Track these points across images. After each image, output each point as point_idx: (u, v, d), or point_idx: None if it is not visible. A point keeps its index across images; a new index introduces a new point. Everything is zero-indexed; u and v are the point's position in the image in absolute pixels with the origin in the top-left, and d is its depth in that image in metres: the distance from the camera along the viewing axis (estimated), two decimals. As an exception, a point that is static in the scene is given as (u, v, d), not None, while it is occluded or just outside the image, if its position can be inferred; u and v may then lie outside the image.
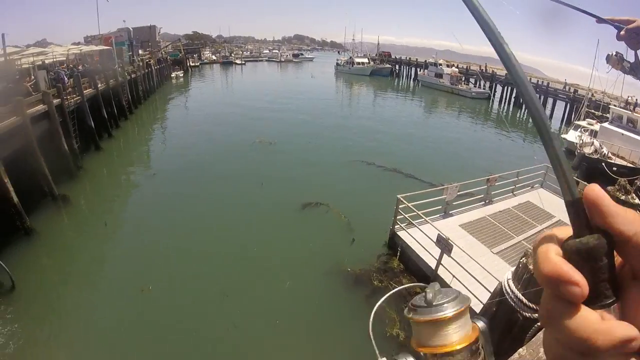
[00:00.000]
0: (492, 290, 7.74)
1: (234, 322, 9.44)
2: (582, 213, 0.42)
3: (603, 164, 18.99)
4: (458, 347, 0.53)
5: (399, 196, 11.34)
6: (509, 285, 3.88)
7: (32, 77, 21.15)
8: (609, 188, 9.18)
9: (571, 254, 0.41)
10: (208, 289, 10.73)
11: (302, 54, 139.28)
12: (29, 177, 14.60)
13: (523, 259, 3.72)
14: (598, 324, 0.39)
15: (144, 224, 14.46)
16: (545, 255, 0.42)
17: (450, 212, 12.81)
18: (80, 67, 29.81)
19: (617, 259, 0.43)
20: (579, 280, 0.39)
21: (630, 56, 2.02)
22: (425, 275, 10.16)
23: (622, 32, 1.78)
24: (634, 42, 1.78)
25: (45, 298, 10.38)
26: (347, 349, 8.82)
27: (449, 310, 0.55)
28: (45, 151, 15.52)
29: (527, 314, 3.63)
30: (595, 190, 0.42)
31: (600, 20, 2.08)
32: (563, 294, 0.40)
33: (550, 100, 45.09)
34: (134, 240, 13.36)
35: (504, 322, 3.83)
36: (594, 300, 0.40)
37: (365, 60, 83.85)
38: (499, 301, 3.98)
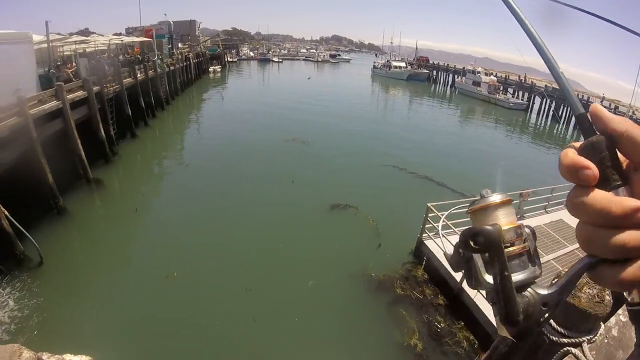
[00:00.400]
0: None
1: (253, 316, 9.41)
2: (588, 123, 0.55)
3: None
4: (505, 228, 0.60)
5: (429, 204, 11.07)
6: None
7: (74, 64, 21.74)
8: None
9: (581, 151, 0.54)
10: (231, 281, 10.78)
11: (339, 55, 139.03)
12: (66, 159, 15.01)
13: (555, 280, 3.50)
14: (611, 197, 0.50)
15: (174, 212, 14.68)
16: (565, 154, 0.54)
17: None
18: (120, 57, 30.51)
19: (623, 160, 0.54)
20: (589, 165, 0.51)
21: None
22: (449, 287, 9.91)
23: None
24: None
25: (71, 276, 10.64)
26: (364, 353, 8.69)
27: (496, 197, 0.65)
28: (82, 135, 15.93)
29: (553, 337, 3.42)
30: (597, 105, 0.54)
31: None
32: (579, 178, 0.52)
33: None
34: (162, 228, 13.53)
35: (528, 344, 3.63)
36: (604, 184, 0.52)
37: (403, 64, 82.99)
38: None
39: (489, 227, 0.57)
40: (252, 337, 8.94)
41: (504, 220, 0.62)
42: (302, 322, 9.43)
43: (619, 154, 0.53)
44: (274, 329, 9.21)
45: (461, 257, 0.65)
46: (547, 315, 0.58)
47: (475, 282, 0.61)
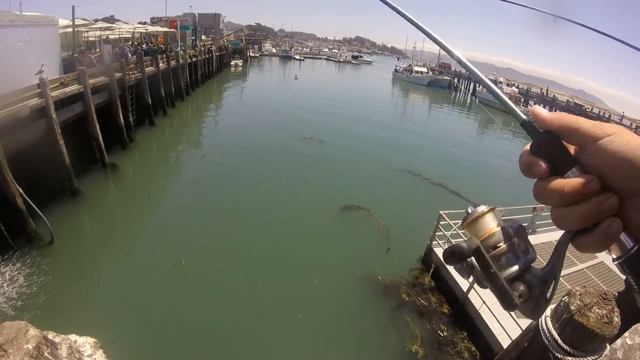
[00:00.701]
0: (519, 324, 7.41)
1: (257, 309, 9.44)
2: (532, 127, 0.64)
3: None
4: (494, 230, 0.73)
5: (441, 212, 10.97)
6: (546, 322, 3.61)
7: (98, 50, 22.02)
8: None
9: (531, 151, 0.64)
10: (238, 274, 10.81)
11: (361, 56, 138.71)
12: (83, 142, 15.23)
13: (566, 297, 3.44)
14: (562, 181, 0.60)
15: (186, 202, 14.78)
16: (520, 157, 0.65)
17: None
18: (144, 46, 30.82)
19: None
20: (537, 161, 0.62)
21: None
22: (455, 296, 9.82)
23: None
24: None
25: (81, 257, 10.78)
26: (364, 356, 8.68)
27: (482, 208, 0.76)
28: (101, 120, 16.14)
29: (559, 355, 3.36)
30: (535, 108, 0.64)
31: None
32: (534, 174, 0.63)
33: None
34: (174, 217, 13.63)
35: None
36: (558, 171, 0.61)
37: (424, 69, 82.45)
38: (532, 337, 3.72)
39: (462, 244, 0.68)
40: (254, 330, 8.95)
41: (492, 224, 0.74)
42: (305, 319, 9.43)
43: (565, 143, 0.62)
44: (276, 324, 9.22)
45: (464, 266, 0.72)
46: (552, 288, 0.67)
47: (478, 282, 0.72)
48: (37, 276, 9.44)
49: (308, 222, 14.19)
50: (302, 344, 8.83)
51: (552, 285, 0.66)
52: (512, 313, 7.79)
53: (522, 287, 0.67)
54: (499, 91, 0.74)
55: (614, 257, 0.59)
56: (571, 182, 0.59)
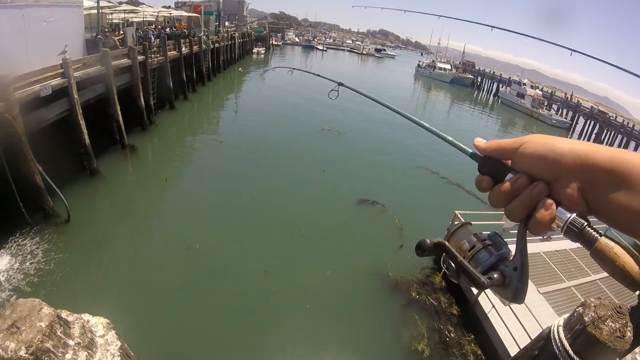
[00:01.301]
0: (528, 331, 7.32)
1: (267, 298, 9.51)
2: (475, 155, 0.87)
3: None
4: (469, 237, 0.88)
5: (456, 212, 10.88)
6: (558, 332, 3.54)
7: (121, 32, 22.18)
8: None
9: (478, 171, 0.84)
10: (250, 261, 10.90)
11: (384, 50, 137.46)
12: (104, 123, 15.44)
13: (580, 308, 3.36)
14: (500, 186, 0.76)
15: (203, 187, 14.92)
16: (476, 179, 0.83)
17: (505, 240, 12.12)
18: (167, 30, 30.98)
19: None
20: (483, 178, 0.81)
21: None
22: (464, 298, 9.75)
23: None
24: None
25: (96, 237, 10.93)
26: (370, 351, 8.67)
27: (457, 224, 0.94)
28: (122, 102, 16.30)
29: (569, 366, 3.31)
30: (476, 140, 0.86)
31: None
32: (484, 188, 0.81)
33: (632, 144, 41.55)
34: (190, 201, 13.76)
35: None
36: (499, 181, 0.77)
37: (448, 66, 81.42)
38: (543, 345, 3.66)
39: (427, 239, 0.81)
40: (263, 317, 9.02)
41: (463, 235, 0.90)
42: (314, 310, 9.47)
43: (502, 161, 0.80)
44: (285, 313, 9.28)
45: (450, 271, 0.83)
46: (521, 274, 0.77)
47: (457, 276, 0.83)
48: (54, 253, 9.59)
49: (322, 214, 14.19)
50: (309, 335, 8.89)
51: (523, 271, 0.77)
52: (521, 318, 7.72)
53: (495, 275, 0.79)
54: (443, 134, 1.03)
55: (559, 230, 0.70)
56: (506, 183, 0.75)
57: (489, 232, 0.89)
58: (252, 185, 15.49)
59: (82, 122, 13.06)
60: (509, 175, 0.76)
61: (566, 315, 3.78)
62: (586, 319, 3.14)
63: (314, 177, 17.19)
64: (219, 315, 8.91)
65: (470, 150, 0.90)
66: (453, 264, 0.82)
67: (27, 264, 9.15)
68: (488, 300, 8.79)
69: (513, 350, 7.62)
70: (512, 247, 0.79)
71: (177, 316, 8.69)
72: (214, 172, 16.39)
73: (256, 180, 15.99)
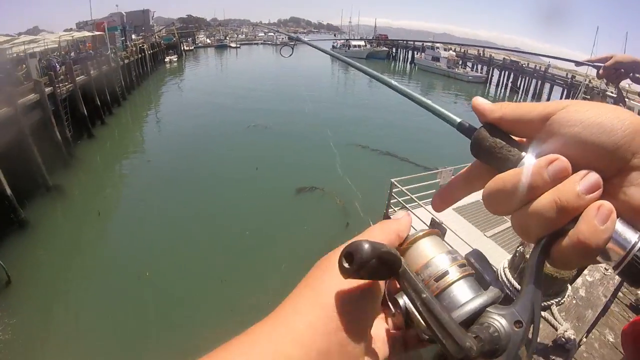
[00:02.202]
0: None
1: (230, 307, 9.53)
2: (466, 125, 0.53)
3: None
4: (437, 256, 0.53)
5: (392, 180, 11.28)
6: (505, 273, 3.85)
7: (24, 66, 20.94)
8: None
9: (471, 150, 0.52)
10: (205, 273, 10.90)
11: (298, 37, 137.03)
12: (22, 168, 14.54)
13: (520, 247, 3.64)
14: (519, 170, 0.44)
15: (140, 211, 14.52)
16: None
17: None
18: (72, 54, 29.51)
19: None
20: (478, 167, 0.52)
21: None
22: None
23: (601, 71, 1.84)
24: (613, 77, 1.84)
25: (42, 291, 10.44)
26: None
27: (418, 233, 0.59)
28: (37, 141, 15.46)
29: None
30: (475, 99, 0.52)
31: (578, 63, 2.19)
32: (475, 183, 0.53)
33: (547, 86, 44.88)
34: (130, 228, 13.43)
35: None
36: (508, 164, 0.46)
37: (362, 43, 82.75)
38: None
39: (363, 243, 0.41)
40: (230, 327, 9.03)
41: (429, 252, 0.53)
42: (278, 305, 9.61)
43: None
44: (250, 317, 9.27)
45: (405, 312, 0.51)
46: (531, 337, 0.44)
47: (408, 324, 0.51)
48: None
49: (266, 211, 14.28)
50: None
51: (531, 327, 0.44)
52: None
53: (485, 332, 0.42)
54: (428, 101, 0.66)
55: (613, 263, 0.41)
56: (522, 170, 0.44)
57: (471, 249, 0.55)
58: (189, 198, 15.29)
59: (-1, 172, 12.34)
60: (527, 159, 0.45)
61: (509, 257, 4.12)
62: (527, 255, 3.42)
63: (249, 176, 17.20)
64: (186, 336, 8.84)
65: (458, 120, 0.56)
66: (409, 303, 0.47)
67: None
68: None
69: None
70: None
71: (142, 347, 8.57)
72: (148, 193, 15.95)
73: (192, 193, 15.80)
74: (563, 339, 2.71)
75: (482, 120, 0.51)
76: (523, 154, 0.46)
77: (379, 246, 0.41)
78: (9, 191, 12.57)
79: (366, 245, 0.40)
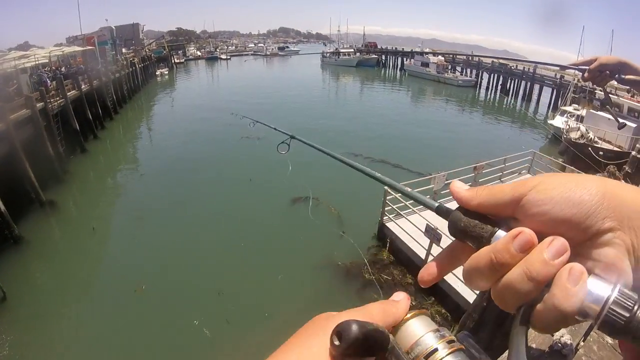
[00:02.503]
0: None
1: (227, 318, 9.54)
2: (444, 209, 0.58)
3: (589, 148, 19.13)
4: (424, 335, 0.53)
5: (386, 187, 11.35)
6: None
7: (14, 81, 20.88)
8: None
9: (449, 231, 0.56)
10: (202, 286, 10.82)
11: (287, 47, 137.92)
12: (15, 183, 14.48)
13: None
14: (492, 245, 0.49)
15: (134, 225, 14.43)
16: None
17: (439, 200, 12.82)
18: (63, 69, 29.47)
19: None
20: (458, 246, 0.55)
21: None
22: (415, 266, 10.22)
23: (586, 74, 1.85)
24: (599, 80, 1.84)
25: (38, 307, 10.32)
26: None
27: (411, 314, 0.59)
28: (30, 156, 15.38)
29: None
30: (453, 183, 0.56)
31: (563, 67, 2.21)
32: (456, 261, 0.57)
33: (536, 87, 45.26)
34: (125, 243, 13.36)
35: (494, 317, 3.83)
36: (483, 242, 0.50)
37: (351, 51, 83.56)
38: (489, 295, 3.99)
39: (350, 325, 0.42)
40: (227, 339, 9.04)
41: (421, 327, 0.53)
42: (275, 317, 9.58)
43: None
44: (247, 328, 9.31)
45: None
46: None
47: None
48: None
49: (261, 222, 14.26)
50: (275, 343, 8.96)
51: None
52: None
53: None
54: (407, 189, 0.74)
55: (591, 320, 0.42)
56: (495, 245, 0.48)
57: (458, 333, 0.55)
58: (183, 212, 15.24)
59: (-9, 189, 12.27)
60: (498, 234, 0.49)
61: None
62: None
63: (244, 188, 17.19)
64: (184, 347, 8.82)
65: (436, 204, 0.61)
66: None
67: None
68: (437, 261, 9.32)
69: (472, 298, 8.17)
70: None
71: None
72: (141, 207, 15.84)
73: (186, 205, 15.74)
74: (559, 344, 2.74)
75: (463, 206, 0.54)
76: (496, 229, 0.50)
77: (367, 325, 0.44)
78: (2, 207, 12.48)
79: (354, 326, 0.42)
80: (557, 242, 0.44)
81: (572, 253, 0.44)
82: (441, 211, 0.59)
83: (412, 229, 10.44)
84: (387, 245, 11.49)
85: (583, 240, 0.45)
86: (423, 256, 9.87)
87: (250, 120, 3.87)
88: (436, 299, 9.48)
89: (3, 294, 10.34)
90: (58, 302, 10.65)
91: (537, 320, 0.44)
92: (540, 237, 0.46)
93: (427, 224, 9.46)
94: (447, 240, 7.14)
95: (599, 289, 0.41)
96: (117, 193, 18.39)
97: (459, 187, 0.55)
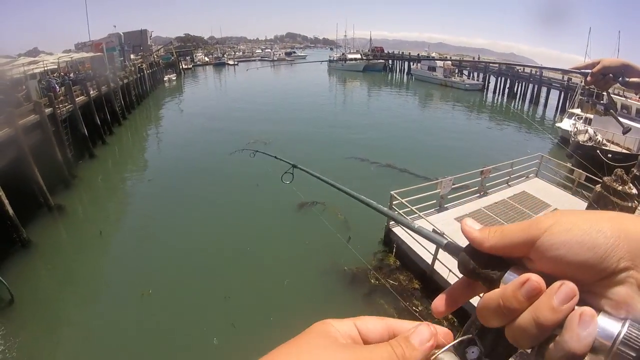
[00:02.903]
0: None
1: (233, 322, 9.54)
2: (452, 246, 0.60)
3: (598, 151, 18.97)
4: None
5: (392, 192, 11.33)
6: None
7: (24, 87, 21.11)
8: (605, 179, 9.16)
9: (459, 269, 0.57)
10: (208, 290, 10.85)
11: (294, 52, 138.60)
12: (24, 188, 14.60)
13: None
14: (501, 288, 0.49)
15: (142, 229, 14.50)
16: None
17: (445, 205, 12.80)
18: (71, 75, 29.76)
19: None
20: (468, 284, 0.57)
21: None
22: (421, 271, 10.17)
23: (589, 78, 1.82)
24: (602, 83, 1.81)
25: (45, 310, 10.39)
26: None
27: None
28: (39, 161, 15.50)
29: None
30: (463, 221, 0.57)
31: (566, 71, 2.19)
32: (465, 297, 0.58)
33: (544, 90, 44.94)
34: (132, 247, 13.41)
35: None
36: (493, 284, 0.51)
37: (358, 56, 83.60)
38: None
39: None
40: (233, 343, 9.02)
41: None
42: (280, 322, 9.57)
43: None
44: (253, 331, 9.30)
45: None
46: None
47: None
48: (1, 341, 9.05)
49: (268, 227, 14.27)
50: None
51: None
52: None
53: None
54: (414, 224, 0.77)
55: (602, 356, 0.42)
56: (505, 289, 0.48)
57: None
58: (190, 216, 15.29)
59: (1, 193, 12.38)
60: (509, 276, 0.50)
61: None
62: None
63: (250, 193, 17.18)
64: (190, 351, 8.83)
65: (445, 241, 0.63)
66: None
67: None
68: (444, 267, 9.25)
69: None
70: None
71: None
72: (149, 212, 15.95)
73: (194, 210, 15.80)
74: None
75: (476, 247, 0.55)
76: (505, 272, 0.50)
77: None
78: (11, 211, 12.59)
79: None
80: (566, 288, 0.45)
81: (584, 290, 0.45)
82: (450, 249, 0.60)
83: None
84: (394, 250, 11.45)
85: (596, 281, 0.46)
86: (429, 261, 9.82)
87: (251, 151, 3.94)
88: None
89: (11, 296, 10.37)
90: (65, 304, 10.72)
91: (549, 359, 0.45)
92: (553, 279, 0.47)
93: (433, 229, 9.38)
94: (453, 244, 7.14)
95: (610, 325, 0.42)
96: (124, 198, 18.49)
97: (471, 227, 0.55)
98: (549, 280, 0.47)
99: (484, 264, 0.53)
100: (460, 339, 0.53)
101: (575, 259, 0.46)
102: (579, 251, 0.45)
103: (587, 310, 0.43)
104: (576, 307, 0.44)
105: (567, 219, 0.48)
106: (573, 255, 0.46)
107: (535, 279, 0.46)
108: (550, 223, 0.48)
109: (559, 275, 0.47)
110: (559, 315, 0.44)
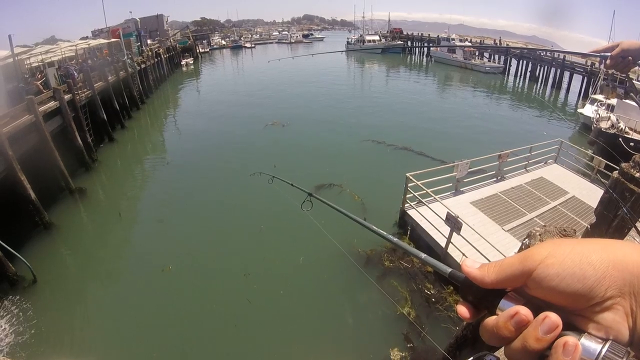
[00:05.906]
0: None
1: (248, 298, 9.79)
2: (455, 275, 0.70)
3: (620, 139, 18.44)
4: None
5: (407, 174, 11.29)
6: None
7: (42, 75, 21.42)
8: (623, 165, 8.92)
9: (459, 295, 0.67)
10: (227, 269, 11.11)
11: (312, 34, 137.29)
12: (46, 172, 14.94)
13: (526, 240, 3.59)
14: (495, 317, 0.58)
15: (161, 210, 14.80)
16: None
17: (461, 189, 12.71)
18: (89, 62, 30.07)
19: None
20: (468, 310, 0.64)
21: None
22: (435, 254, 10.13)
23: (608, 61, 1.80)
24: (622, 66, 1.80)
25: (67, 289, 10.71)
26: (359, 327, 8.99)
27: None
28: (59, 146, 15.82)
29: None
30: (463, 261, 0.67)
31: (585, 55, 2.14)
32: (463, 317, 0.64)
33: (567, 74, 43.55)
34: (152, 227, 13.73)
35: None
36: (490, 311, 0.61)
37: (376, 37, 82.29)
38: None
39: None
40: (249, 318, 9.26)
41: None
42: (296, 299, 9.83)
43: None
44: (269, 308, 9.58)
45: None
46: None
47: None
48: (25, 320, 9.33)
49: (285, 209, 14.32)
50: (295, 323, 9.15)
51: None
52: (492, 259, 8.17)
53: None
54: (422, 255, 0.84)
55: None
56: (498, 319, 0.57)
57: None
58: (207, 197, 15.58)
59: (24, 178, 12.66)
60: (502, 305, 0.59)
61: (516, 250, 4.05)
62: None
63: (267, 174, 17.22)
64: (207, 326, 9.05)
65: (449, 270, 0.73)
66: None
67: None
68: (457, 250, 9.24)
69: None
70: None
71: (165, 339, 8.79)
72: (168, 194, 16.22)
73: (210, 192, 16.10)
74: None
75: (477, 283, 0.63)
76: (499, 300, 0.60)
77: None
78: (33, 195, 12.90)
79: None
80: (549, 321, 0.52)
81: (574, 314, 0.53)
82: (453, 279, 0.70)
83: (433, 216, 10.36)
84: (408, 232, 11.45)
85: (586, 307, 0.53)
86: (443, 244, 9.81)
87: (269, 177, 4.15)
88: (454, 288, 9.42)
89: (34, 277, 10.70)
90: (87, 284, 11.06)
91: None
92: (546, 304, 0.55)
93: (447, 212, 9.35)
94: (467, 229, 6.98)
95: (593, 346, 0.49)
96: (143, 180, 18.80)
97: (470, 267, 0.65)
98: (543, 304, 0.55)
99: (480, 296, 0.63)
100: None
101: (566, 289, 0.53)
102: (570, 282, 0.53)
103: (570, 340, 0.50)
104: (564, 333, 0.51)
105: (559, 250, 0.55)
106: (565, 286, 0.53)
107: (523, 312, 0.55)
108: (544, 255, 0.56)
109: (552, 302, 0.55)
110: (543, 344, 0.51)
